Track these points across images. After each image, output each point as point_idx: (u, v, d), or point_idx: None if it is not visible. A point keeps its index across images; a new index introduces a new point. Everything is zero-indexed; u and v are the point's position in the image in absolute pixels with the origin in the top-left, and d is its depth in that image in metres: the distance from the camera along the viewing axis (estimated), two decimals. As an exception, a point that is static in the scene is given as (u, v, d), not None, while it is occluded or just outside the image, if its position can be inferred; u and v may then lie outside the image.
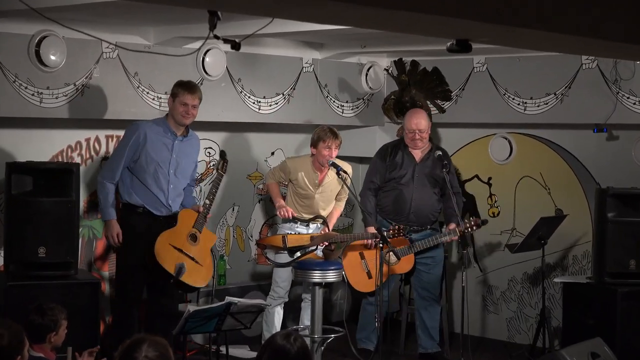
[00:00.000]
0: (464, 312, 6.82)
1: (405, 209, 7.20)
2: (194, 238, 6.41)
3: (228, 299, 5.99)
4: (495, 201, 8.33)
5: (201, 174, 7.82)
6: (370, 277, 6.89)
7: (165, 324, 6.29)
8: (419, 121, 7.20)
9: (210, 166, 7.86)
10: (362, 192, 7.30)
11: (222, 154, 6.80)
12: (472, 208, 8.39)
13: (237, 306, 6.01)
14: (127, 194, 6.39)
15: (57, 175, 6.35)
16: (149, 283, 6.43)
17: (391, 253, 6.75)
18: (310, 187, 7.01)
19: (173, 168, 6.44)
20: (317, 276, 6.76)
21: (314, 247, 6.93)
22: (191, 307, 5.88)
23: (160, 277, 6.25)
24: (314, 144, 6.99)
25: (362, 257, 7.08)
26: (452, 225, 7.07)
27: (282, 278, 7.11)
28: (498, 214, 8.32)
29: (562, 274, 7.90)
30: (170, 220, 6.44)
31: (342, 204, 7.24)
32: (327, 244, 6.96)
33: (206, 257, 6.49)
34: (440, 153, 7.16)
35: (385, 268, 6.57)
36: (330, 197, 7.13)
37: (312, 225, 7.07)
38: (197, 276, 6.36)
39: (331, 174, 7.03)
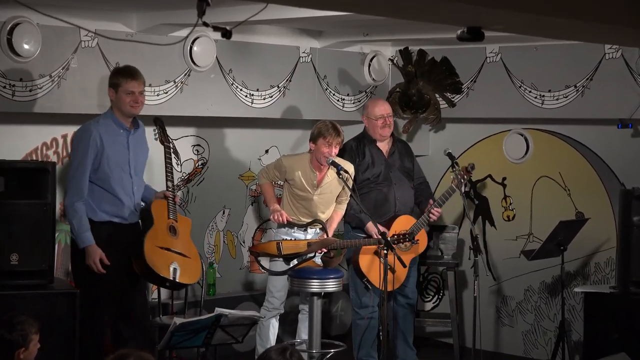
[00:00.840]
0: (476, 325, 6.82)
1: (391, 209, 7.25)
2: (173, 231, 6.36)
3: (218, 310, 5.98)
4: (510, 203, 8.33)
5: (189, 173, 7.83)
6: (394, 271, 6.93)
7: (131, 333, 6.33)
8: (385, 106, 7.39)
9: (198, 165, 7.86)
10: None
11: (156, 121, 6.58)
12: (484, 211, 8.40)
13: (228, 318, 6.00)
14: (91, 211, 6.24)
15: (31, 175, 6.33)
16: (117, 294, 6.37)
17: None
18: (308, 188, 7.01)
19: (133, 167, 6.36)
20: (315, 286, 6.76)
21: (312, 255, 6.94)
22: (177, 320, 5.87)
23: (158, 284, 6.37)
24: (313, 139, 6.99)
25: (379, 255, 7.08)
26: (427, 208, 7.22)
27: (277, 287, 7.11)
28: (513, 217, 8.32)
29: (583, 283, 7.90)
30: (135, 228, 6.41)
31: (343, 207, 7.24)
32: (325, 250, 6.96)
33: (191, 247, 6.48)
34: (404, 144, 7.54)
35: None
36: (330, 199, 7.13)
37: (310, 231, 7.07)
38: (190, 271, 6.38)
39: (331, 173, 7.03)
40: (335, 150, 6.96)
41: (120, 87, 6.25)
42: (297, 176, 7.01)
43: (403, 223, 7.17)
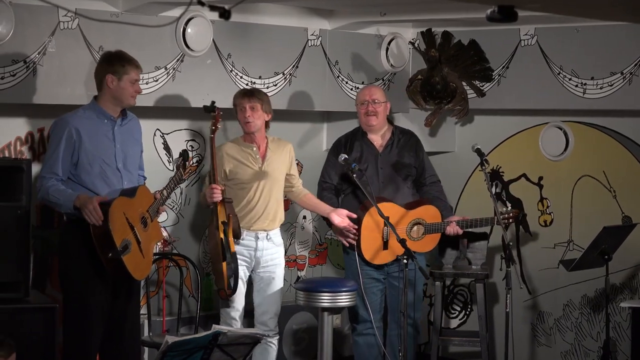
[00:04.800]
0: (509, 345, 6.83)
1: None
2: (144, 223, 6.34)
3: (215, 327, 6.01)
4: (548, 207, 8.34)
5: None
6: (385, 248, 6.96)
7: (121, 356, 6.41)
8: (370, 90, 7.47)
9: (192, 163, 7.88)
10: (317, 194, 7.48)
11: (184, 154, 6.72)
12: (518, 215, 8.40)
13: (227, 336, 6.02)
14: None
15: (3, 175, 6.36)
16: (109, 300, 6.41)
17: (417, 226, 7.19)
18: (251, 166, 7.09)
19: (121, 161, 6.36)
20: (325, 300, 6.77)
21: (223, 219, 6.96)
22: (169, 338, 5.88)
23: (100, 249, 6.10)
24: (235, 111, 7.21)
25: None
26: (454, 219, 7.28)
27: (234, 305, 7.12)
28: (551, 222, 8.32)
29: (631, 297, 7.90)
30: None
31: (302, 188, 7.32)
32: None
33: (149, 251, 6.40)
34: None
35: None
36: (279, 178, 7.18)
37: (249, 237, 7.13)
38: (139, 266, 6.27)
39: (273, 146, 7.19)
40: (253, 114, 7.03)
41: (127, 74, 6.29)
42: (235, 157, 7.09)
43: (432, 215, 7.21)
